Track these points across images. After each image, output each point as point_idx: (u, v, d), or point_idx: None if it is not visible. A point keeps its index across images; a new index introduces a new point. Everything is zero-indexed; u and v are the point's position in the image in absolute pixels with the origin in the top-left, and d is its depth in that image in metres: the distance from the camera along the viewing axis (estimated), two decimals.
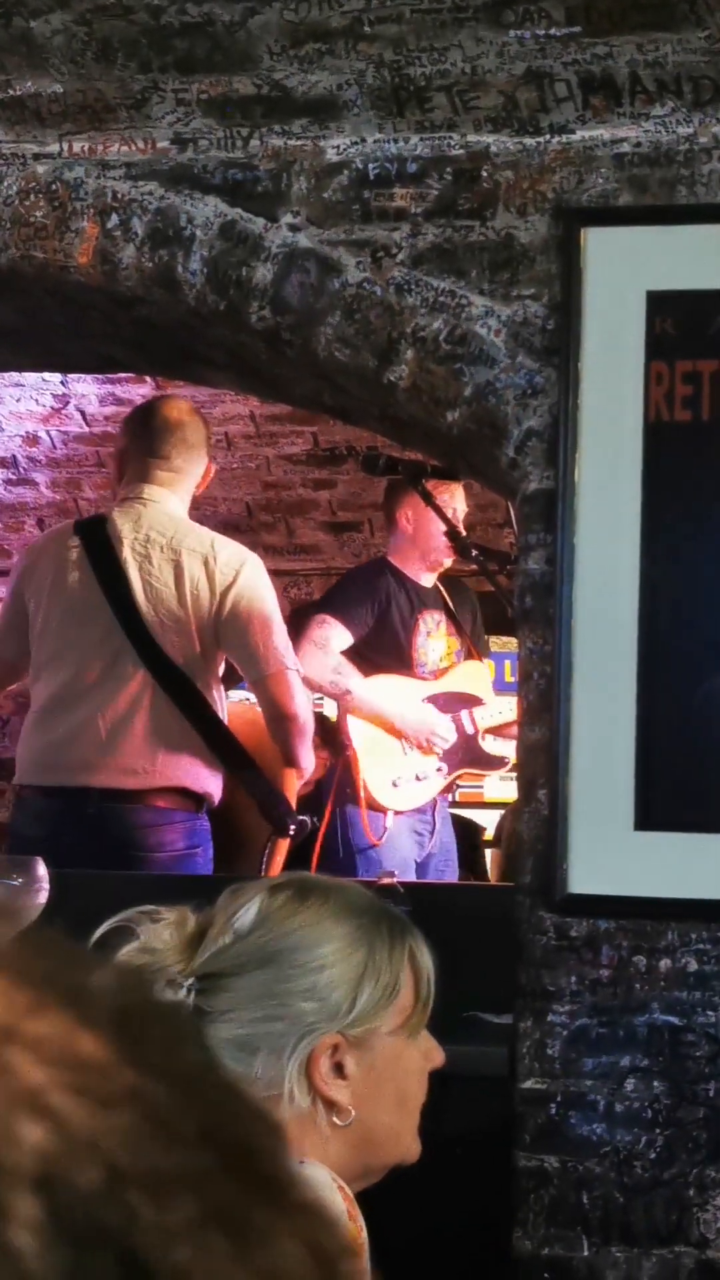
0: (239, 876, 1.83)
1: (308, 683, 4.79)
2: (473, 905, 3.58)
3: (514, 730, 4.63)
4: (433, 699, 4.88)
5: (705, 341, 2.79)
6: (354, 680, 4.73)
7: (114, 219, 2.97)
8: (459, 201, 2.89)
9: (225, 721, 4.10)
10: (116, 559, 4.02)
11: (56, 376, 6.39)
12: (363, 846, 4.70)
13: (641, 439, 2.79)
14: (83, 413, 6.70)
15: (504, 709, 4.89)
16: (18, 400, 6.64)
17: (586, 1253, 2.74)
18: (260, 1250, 0.40)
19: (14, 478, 6.97)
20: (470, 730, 4.92)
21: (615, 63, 2.83)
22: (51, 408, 6.68)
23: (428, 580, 4.92)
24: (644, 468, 2.79)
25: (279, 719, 4.04)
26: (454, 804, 5.44)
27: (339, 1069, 1.68)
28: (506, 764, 4.94)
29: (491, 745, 4.95)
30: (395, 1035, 1.72)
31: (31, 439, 6.82)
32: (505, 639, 6.24)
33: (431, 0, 2.84)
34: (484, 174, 2.89)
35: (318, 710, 8.54)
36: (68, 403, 6.66)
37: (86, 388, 6.56)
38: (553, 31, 2.84)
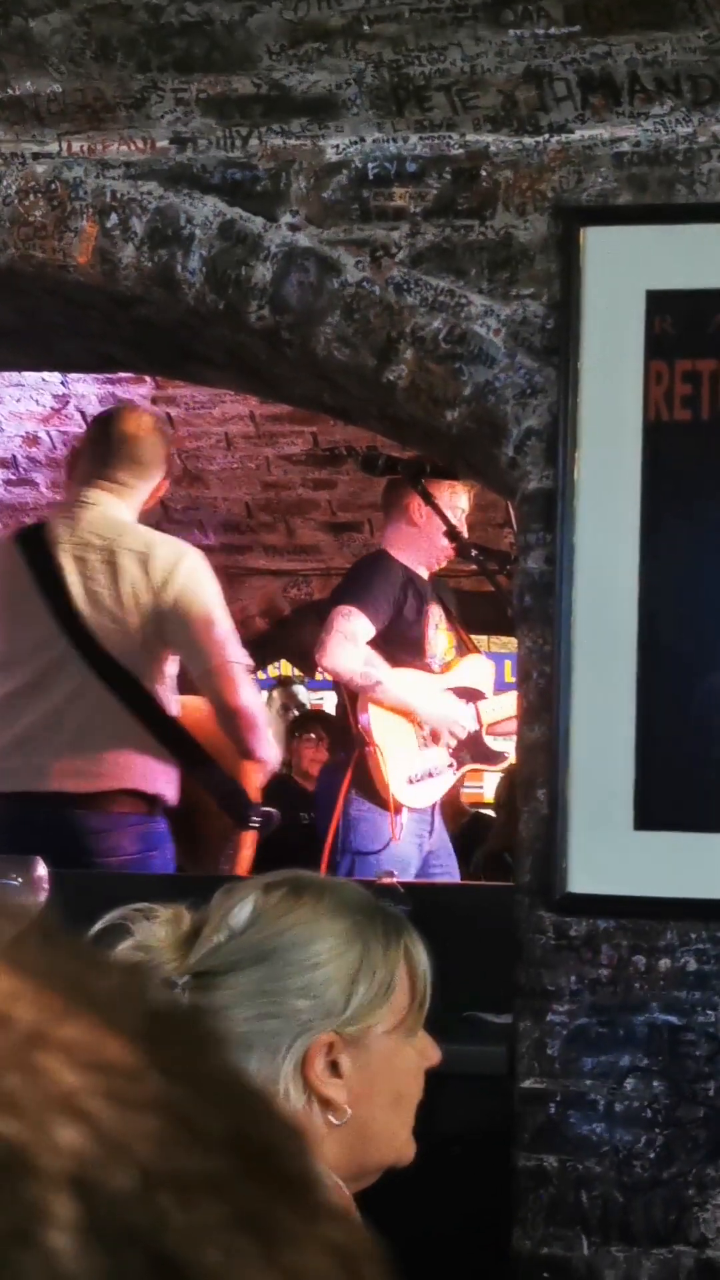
0: (234, 876, 1.82)
1: (338, 676, 4.78)
2: (472, 905, 3.58)
3: (506, 726, 4.64)
4: (449, 691, 4.90)
5: (705, 341, 2.80)
6: (384, 671, 4.72)
7: (113, 218, 2.97)
8: (458, 201, 2.89)
9: (177, 718, 4.06)
10: (54, 563, 4.01)
11: (56, 377, 6.40)
12: (374, 847, 4.70)
13: (641, 438, 2.79)
14: (83, 413, 6.71)
15: (502, 704, 4.89)
16: (18, 400, 6.65)
17: (586, 1252, 2.74)
18: (288, 1252, 0.40)
19: (14, 478, 6.98)
20: (476, 725, 4.93)
21: (614, 62, 2.83)
22: (51, 408, 6.69)
23: (425, 574, 4.93)
24: (643, 467, 2.79)
25: (225, 713, 4.00)
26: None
27: (334, 1067, 1.68)
28: (507, 759, 4.94)
29: (492, 741, 4.96)
30: (391, 1034, 1.71)
31: (31, 439, 6.83)
32: (505, 639, 6.25)
33: None
34: (483, 173, 2.89)
35: (318, 709, 8.54)
36: (68, 403, 6.66)
37: (86, 388, 6.57)
38: (552, 31, 2.84)
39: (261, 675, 9.14)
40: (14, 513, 6.87)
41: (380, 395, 2.99)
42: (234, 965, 1.67)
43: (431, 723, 4.80)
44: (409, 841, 4.77)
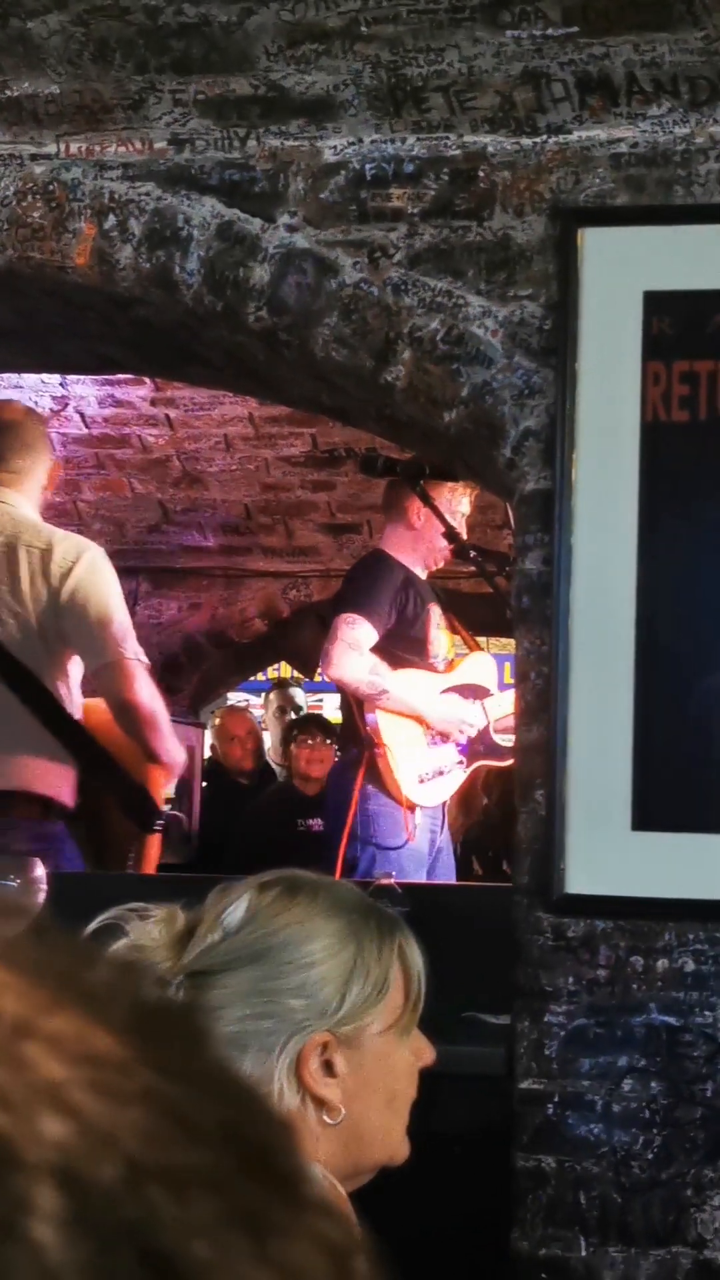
0: (231, 876, 1.82)
1: (344, 685, 4.78)
2: (470, 905, 3.58)
3: (510, 723, 4.63)
4: (452, 690, 4.90)
5: (702, 341, 2.80)
6: (390, 679, 4.72)
7: (111, 219, 2.97)
8: (456, 202, 2.90)
9: (77, 718, 4.00)
10: None
11: (56, 379, 6.40)
12: (395, 842, 4.70)
13: (639, 439, 2.79)
14: (82, 415, 6.71)
15: (507, 701, 4.90)
16: None
17: (584, 1253, 2.74)
18: (278, 1247, 0.40)
19: None
20: (484, 721, 4.94)
21: (612, 63, 2.83)
22: (51, 410, 6.69)
23: (423, 574, 4.93)
24: (641, 468, 2.79)
25: (122, 709, 3.94)
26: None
27: (328, 1067, 1.68)
28: None
29: (499, 737, 4.97)
30: (386, 1034, 1.71)
31: None
32: (504, 640, 6.25)
33: (428, 1, 2.84)
34: (481, 174, 2.89)
35: (316, 710, 8.53)
36: (67, 404, 6.67)
37: (85, 390, 6.57)
38: (549, 32, 2.84)
39: (260, 677, 9.15)
40: None
41: (378, 396, 2.99)
42: (228, 965, 1.67)
43: (440, 725, 4.81)
44: (422, 839, 4.79)
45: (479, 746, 4.95)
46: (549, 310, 2.85)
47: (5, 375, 6.07)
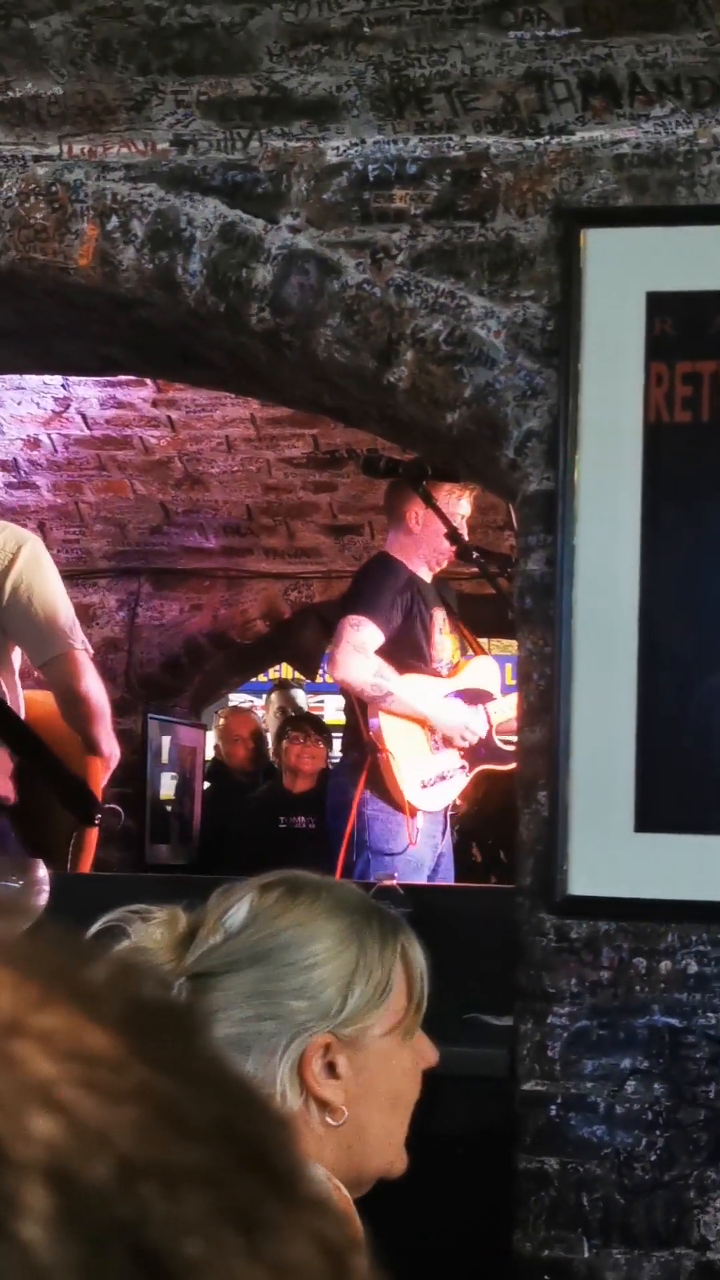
0: (232, 876, 1.81)
1: (349, 688, 4.77)
2: (473, 907, 3.58)
3: (513, 726, 4.62)
4: (457, 695, 4.89)
5: (705, 342, 2.79)
6: (394, 682, 4.71)
7: (114, 221, 2.97)
8: (458, 203, 2.89)
9: (16, 711, 3.95)
10: None
11: (58, 380, 6.40)
12: (391, 848, 4.69)
13: (641, 440, 2.79)
14: (84, 416, 6.71)
15: (510, 705, 4.90)
16: (19, 403, 6.64)
17: (587, 1254, 2.74)
18: (272, 1245, 0.40)
19: (15, 481, 6.98)
20: (488, 726, 4.94)
21: (615, 64, 2.83)
22: (53, 411, 6.68)
23: (428, 576, 4.92)
24: (644, 469, 2.79)
25: (70, 701, 3.91)
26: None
27: (331, 1069, 1.67)
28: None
29: (502, 742, 4.96)
30: (389, 1036, 1.71)
31: (33, 442, 6.83)
32: (506, 642, 6.24)
33: (431, 1, 2.84)
34: (484, 175, 2.89)
35: (317, 712, 8.52)
36: (69, 406, 6.66)
37: (88, 391, 6.57)
38: (552, 33, 2.84)
39: (261, 678, 9.14)
40: (15, 516, 6.87)
41: (381, 397, 2.99)
42: (230, 966, 1.66)
43: (445, 729, 4.81)
44: (424, 844, 4.78)
45: (481, 750, 4.95)
46: (551, 311, 2.84)
47: (7, 376, 6.06)
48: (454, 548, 4.77)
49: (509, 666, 5.54)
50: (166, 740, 7.06)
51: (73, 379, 6.34)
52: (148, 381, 6.27)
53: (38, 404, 6.64)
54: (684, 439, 2.79)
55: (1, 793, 3.89)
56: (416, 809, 4.73)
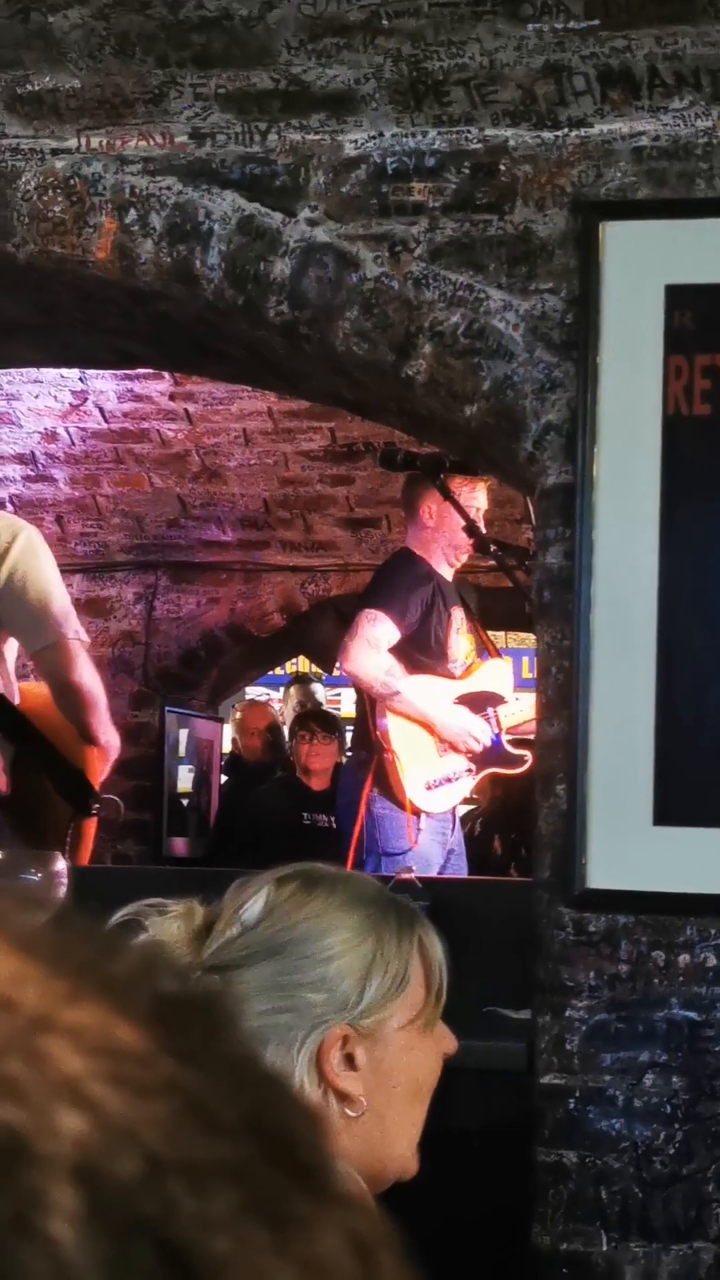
0: (249, 870, 1.81)
1: (358, 680, 4.77)
2: (491, 901, 3.58)
3: (526, 729, 4.62)
4: (464, 698, 4.88)
5: None
6: (404, 682, 4.71)
7: (132, 214, 2.97)
8: (477, 195, 2.89)
9: (15, 701, 3.93)
10: None
11: (75, 373, 6.41)
12: (399, 847, 4.69)
13: (660, 433, 2.79)
14: (101, 409, 6.71)
15: (522, 707, 4.89)
16: (36, 397, 6.65)
17: (605, 1248, 2.74)
18: (300, 1241, 0.39)
19: (33, 474, 6.99)
20: (496, 730, 4.92)
21: (633, 56, 2.82)
22: (70, 404, 6.69)
23: (448, 574, 4.91)
24: (662, 461, 2.78)
25: (63, 690, 3.88)
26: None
27: (349, 1061, 1.67)
28: (527, 763, 4.94)
29: (511, 745, 4.96)
30: (408, 1029, 1.71)
31: (50, 435, 6.84)
32: (523, 635, 6.24)
33: None
34: (502, 168, 2.88)
35: (334, 706, 8.52)
36: (86, 399, 6.67)
37: (105, 384, 6.57)
38: (571, 25, 2.83)
39: (278, 671, 9.14)
40: (33, 509, 6.88)
41: (399, 390, 2.98)
42: (247, 959, 1.66)
43: (448, 735, 4.79)
44: (432, 841, 4.78)
45: (489, 753, 4.94)
46: (570, 304, 2.84)
47: (24, 369, 6.07)
48: (472, 541, 4.76)
49: (526, 660, 5.54)
50: (184, 733, 7.07)
51: (90, 372, 6.35)
52: (165, 375, 6.27)
53: (55, 397, 6.65)
54: (703, 432, 2.79)
55: None
56: (420, 810, 4.73)
